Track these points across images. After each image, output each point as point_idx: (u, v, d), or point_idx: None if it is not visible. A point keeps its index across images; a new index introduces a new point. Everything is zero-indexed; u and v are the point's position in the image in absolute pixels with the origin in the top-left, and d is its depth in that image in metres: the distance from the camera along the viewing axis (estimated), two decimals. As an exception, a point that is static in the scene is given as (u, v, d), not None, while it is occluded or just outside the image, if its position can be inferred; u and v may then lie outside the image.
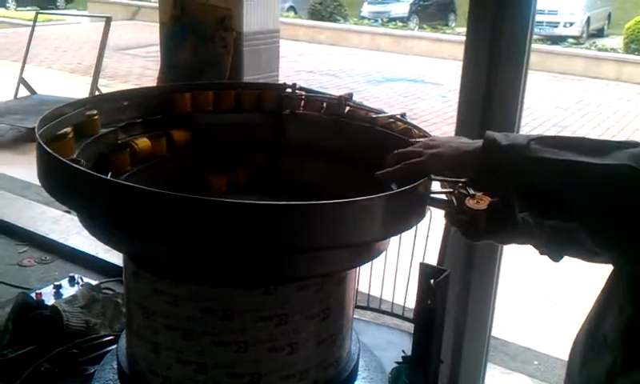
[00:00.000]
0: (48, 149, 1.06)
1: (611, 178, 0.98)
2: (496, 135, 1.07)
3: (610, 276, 1.17)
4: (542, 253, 1.09)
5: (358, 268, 1.23)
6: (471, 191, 1.09)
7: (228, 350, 1.10)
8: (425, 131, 1.36)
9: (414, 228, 1.16)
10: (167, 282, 1.10)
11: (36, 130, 1.15)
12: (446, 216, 1.18)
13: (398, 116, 1.39)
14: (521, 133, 1.08)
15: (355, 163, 1.35)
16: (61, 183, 1.06)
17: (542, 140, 1.04)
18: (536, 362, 3.21)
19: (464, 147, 1.10)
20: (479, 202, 1.08)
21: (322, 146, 1.42)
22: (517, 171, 1.03)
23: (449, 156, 1.11)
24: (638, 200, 0.96)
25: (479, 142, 1.08)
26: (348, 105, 1.45)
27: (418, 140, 1.21)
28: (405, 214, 1.08)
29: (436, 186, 1.18)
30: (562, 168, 1.00)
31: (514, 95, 1.99)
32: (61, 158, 1.04)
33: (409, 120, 1.39)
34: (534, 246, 1.08)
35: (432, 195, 1.15)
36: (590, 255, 1.10)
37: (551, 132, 8.32)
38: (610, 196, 0.99)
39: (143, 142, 1.33)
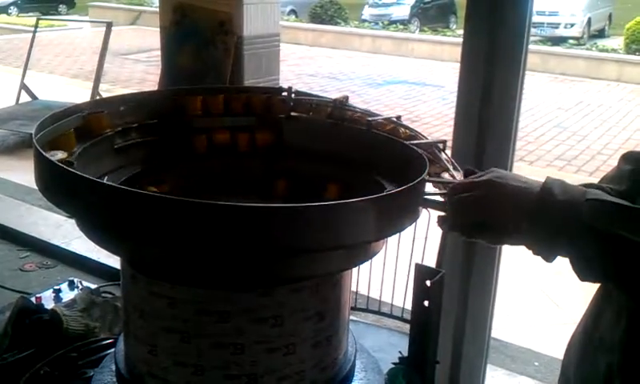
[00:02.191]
0: (45, 154, 1.07)
1: None
2: (554, 186, 1.06)
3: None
4: (534, 253, 1.09)
5: (353, 269, 1.23)
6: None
7: (225, 352, 1.11)
8: (418, 132, 1.36)
9: (411, 230, 1.16)
10: (164, 285, 1.11)
11: (33, 134, 1.16)
12: (439, 221, 1.19)
13: (394, 119, 1.40)
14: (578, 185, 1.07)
15: (351, 165, 1.36)
16: (56, 187, 1.07)
17: (598, 206, 1.03)
18: (536, 363, 3.21)
19: (522, 193, 1.09)
20: None
21: (318, 148, 1.42)
22: (566, 233, 1.04)
23: (507, 203, 1.09)
24: None
25: (536, 190, 1.07)
26: (344, 108, 1.45)
27: (479, 176, 1.16)
28: (399, 216, 1.08)
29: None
30: (614, 244, 1.01)
31: (511, 96, 2.00)
32: (56, 162, 1.05)
33: (407, 123, 1.40)
34: (527, 247, 1.09)
35: (426, 197, 1.15)
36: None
37: (552, 133, 8.32)
38: None
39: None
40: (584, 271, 1.06)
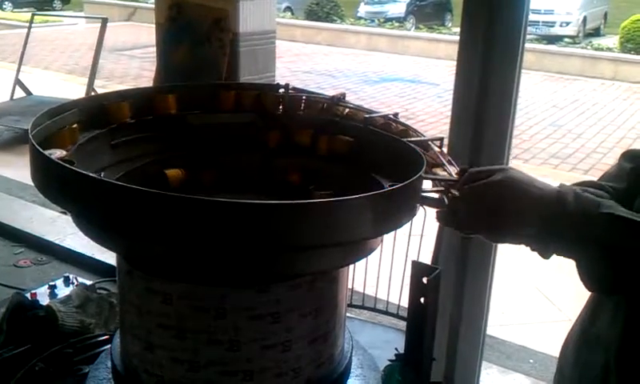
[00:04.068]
0: (40, 149, 1.07)
1: None
2: (568, 195, 1.06)
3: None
4: (532, 249, 1.10)
5: (350, 266, 1.23)
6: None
7: (221, 349, 1.10)
8: (417, 130, 1.36)
9: (408, 227, 1.16)
10: (160, 281, 1.11)
11: (29, 130, 1.15)
12: (437, 216, 1.19)
13: (391, 116, 1.40)
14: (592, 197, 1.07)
15: (348, 162, 1.36)
16: (53, 183, 1.07)
17: (612, 220, 1.03)
18: (531, 361, 3.22)
19: (536, 198, 1.08)
20: None
21: (314, 145, 1.42)
22: (579, 244, 1.05)
23: (520, 207, 1.08)
24: None
25: (551, 196, 1.07)
26: (341, 104, 1.45)
27: (492, 172, 1.14)
28: (396, 213, 1.08)
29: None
30: (625, 258, 1.02)
31: (507, 94, 2.00)
32: (52, 158, 1.05)
33: (402, 120, 1.40)
34: (524, 243, 1.09)
35: (423, 194, 1.15)
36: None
37: (547, 131, 8.34)
38: None
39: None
40: (592, 281, 1.06)
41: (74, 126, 1.26)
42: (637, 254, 1.01)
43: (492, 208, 1.10)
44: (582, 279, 1.09)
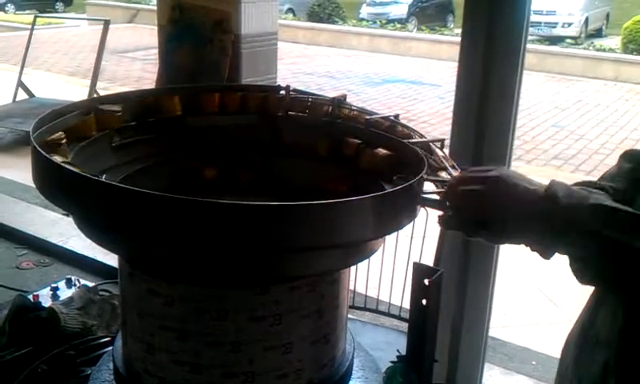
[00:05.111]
0: (42, 151, 1.07)
1: None
2: (559, 189, 1.06)
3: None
4: (532, 250, 1.10)
5: (351, 267, 1.23)
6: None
7: (222, 350, 1.11)
8: (416, 131, 1.36)
9: (409, 229, 1.16)
10: (162, 283, 1.11)
11: (31, 132, 1.15)
12: (439, 221, 1.19)
13: (392, 117, 1.40)
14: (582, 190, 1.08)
15: (349, 164, 1.36)
16: (55, 185, 1.07)
17: (600, 211, 1.03)
18: (534, 362, 3.21)
19: (526, 197, 1.08)
20: None
21: (316, 147, 1.42)
22: (569, 236, 1.05)
23: (512, 207, 1.09)
24: None
25: (540, 191, 1.07)
26: (341, 106, 1.45)
27: (486, 172, 1.14)
28: (397, 214, 1.09)
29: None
30: (613, 249, 1.02)
31: (509, 95, 2.00)
32: (54, 161, 1.05)
33: (404, 122, 1.40)
34: (525, 244, 1.09)
35: (424, 195, 1.15)
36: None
37: (550, 132, 8.33)
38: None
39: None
40: (582, 273, 1.07)
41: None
42: (623, 245, 1.01)
43: (485, 204, 1.10)
44: (574, 273, 1.09)
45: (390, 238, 1.21)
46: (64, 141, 1.20)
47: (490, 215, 1.11)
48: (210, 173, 1.40)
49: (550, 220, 1.05)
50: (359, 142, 1.37)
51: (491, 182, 1.11)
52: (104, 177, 1.22)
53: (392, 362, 1.29)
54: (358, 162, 1.36)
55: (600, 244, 1.03)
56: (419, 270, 1.20)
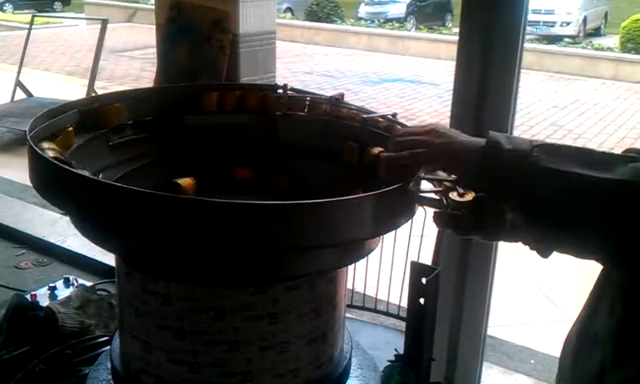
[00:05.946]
0: (38, 150, 1.07)
1: (609, 195, 0.98)
2: (499, 137, 1.06)
3: (600, 275, 1.18)
4: (531, 248, 1.10)
5: (348, 266, 1.23)
6: (460, 190, 1.09)
7: (219, 350, 1.10)
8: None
9: (408, 227, 1.16)
10: (159, 282, 1.11)
11: (28, 131, 1.15)
12: (434, 218, 1.19)
13: (390, 116, 1.40)
14: (523, 137, 1.07)
15: (346, 162, 1.36)
16: (51, 184, 1.07)
17: (545, 148, 1.04)
18: (532, 361, 3.22)
19: (467, 145, 1.10)
20: (464, 195, 1.09)
21: (314, 145, 1.42)
22: (516, 179, 1.03)
23: (453, 152, 1.10)
24: (632, 216, 0.97)
25: (481, 142, 1.08)
26: (339, 105, 1.45)
27: (422, 125, 1.18)
28: (394, 213, 1.08)
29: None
30: (562, 180, 1.00)
31: (507, 93, 2.00)
32: (50, 159, 1.05)
33: (402, 121, 1.39)
34: (523, 242, 1.09)
35: (422, 194, 1.15)
36: (578, 252, 1.12)
37: (548, 131, 8.34)
38: (605, 213, 0.99)
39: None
40: (536, 219, 1.05)
41: (70, 128, 1.26)
42: (576, 176, 1.00)
43: (428, 150, 1.11)
44: (526, 226, 1.08)
45: (388, 237, 1.21)
46: (60, 139, 1.20)
47: (434, 160, 1.13)
48: (206, 172, 1.40)
49: (496, 166, 1.05)
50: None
51: (429, 133, 1.13)
52: (101, 176, 1.22)
53: (390, 361, 1.29)
54: (358, 163, 1.36)
55: (552, 180, 1.01)
56: (417, 269, 1.20)
